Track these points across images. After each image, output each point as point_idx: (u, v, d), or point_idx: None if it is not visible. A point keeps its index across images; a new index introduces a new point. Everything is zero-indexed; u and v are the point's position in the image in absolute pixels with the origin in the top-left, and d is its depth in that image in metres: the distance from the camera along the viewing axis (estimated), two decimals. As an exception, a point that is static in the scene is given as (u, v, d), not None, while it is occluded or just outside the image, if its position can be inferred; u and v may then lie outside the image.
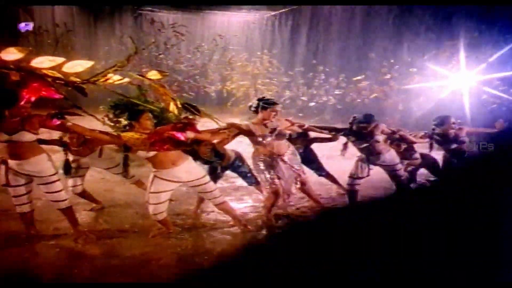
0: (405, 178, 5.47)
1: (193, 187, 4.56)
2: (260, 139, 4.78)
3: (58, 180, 4.25)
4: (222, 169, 5.11)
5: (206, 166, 4.95)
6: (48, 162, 4.17)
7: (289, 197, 5.06)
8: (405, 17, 12.32)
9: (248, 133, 4.82)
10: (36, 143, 4.13)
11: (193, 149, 4.53)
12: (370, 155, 5.30)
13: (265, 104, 4.79)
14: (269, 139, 4.77)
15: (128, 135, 3.48)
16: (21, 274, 3.76)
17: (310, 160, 5.67)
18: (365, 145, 5.27)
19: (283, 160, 4.85)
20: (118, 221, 4.93)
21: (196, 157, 4.75)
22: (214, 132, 4.50)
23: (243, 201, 5.64)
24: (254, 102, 4.98)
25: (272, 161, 4.83)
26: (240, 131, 4.81)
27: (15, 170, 4.09)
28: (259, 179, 5.05)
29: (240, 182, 5.71)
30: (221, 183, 5.32)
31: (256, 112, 4.85)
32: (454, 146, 5.69)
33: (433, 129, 5.77)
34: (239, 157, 5.18)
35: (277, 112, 4.84)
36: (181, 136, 3.47)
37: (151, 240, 4.35)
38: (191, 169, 4.42)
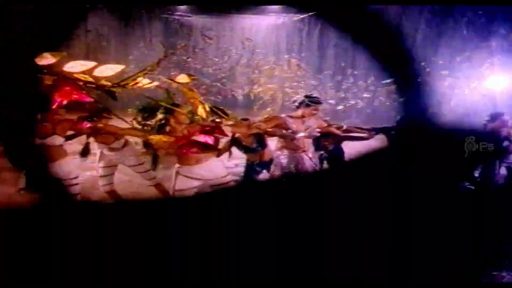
0: None
1: (212, 186, 4.43)
2: (292, 134, 4.74)
3: (77, 184, 4.40)
4: (261, 166, 4.99)
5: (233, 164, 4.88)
6: (71, 164, 4.31)
7: None
8: (437, 19, 12.07)
9: (284, 127, 4.78)
10: (62, 146, 4.29)
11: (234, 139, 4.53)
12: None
13: (310, 101, 4.77)
14: (301, 134, 4.73)
15: (156, 138, 3.52)
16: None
17: (339, 158, 5.58)
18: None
19: (308, 156, 4.81)
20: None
21: (237, 143, 4.70)
22: (249, 125, 4.48)
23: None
24: (298, 97, 4.97)
25: (296, 156, 4.78)
26: (276, 124, 4.78)
27: None
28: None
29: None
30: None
31: (298, 107, 4.84)
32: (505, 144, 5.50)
33: (484, 125, 5.58)
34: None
35: (318, 111, 4.84)
36: (209, 139, 3.49)
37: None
38: (213, 168, 4.38)
